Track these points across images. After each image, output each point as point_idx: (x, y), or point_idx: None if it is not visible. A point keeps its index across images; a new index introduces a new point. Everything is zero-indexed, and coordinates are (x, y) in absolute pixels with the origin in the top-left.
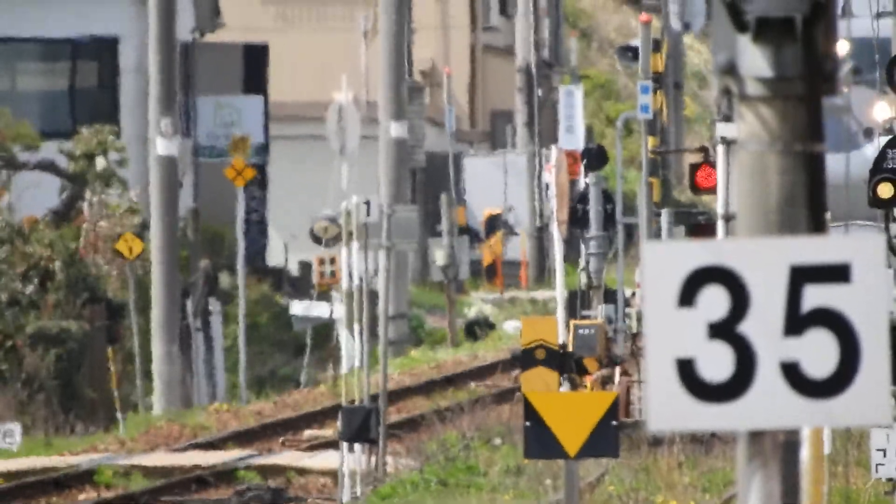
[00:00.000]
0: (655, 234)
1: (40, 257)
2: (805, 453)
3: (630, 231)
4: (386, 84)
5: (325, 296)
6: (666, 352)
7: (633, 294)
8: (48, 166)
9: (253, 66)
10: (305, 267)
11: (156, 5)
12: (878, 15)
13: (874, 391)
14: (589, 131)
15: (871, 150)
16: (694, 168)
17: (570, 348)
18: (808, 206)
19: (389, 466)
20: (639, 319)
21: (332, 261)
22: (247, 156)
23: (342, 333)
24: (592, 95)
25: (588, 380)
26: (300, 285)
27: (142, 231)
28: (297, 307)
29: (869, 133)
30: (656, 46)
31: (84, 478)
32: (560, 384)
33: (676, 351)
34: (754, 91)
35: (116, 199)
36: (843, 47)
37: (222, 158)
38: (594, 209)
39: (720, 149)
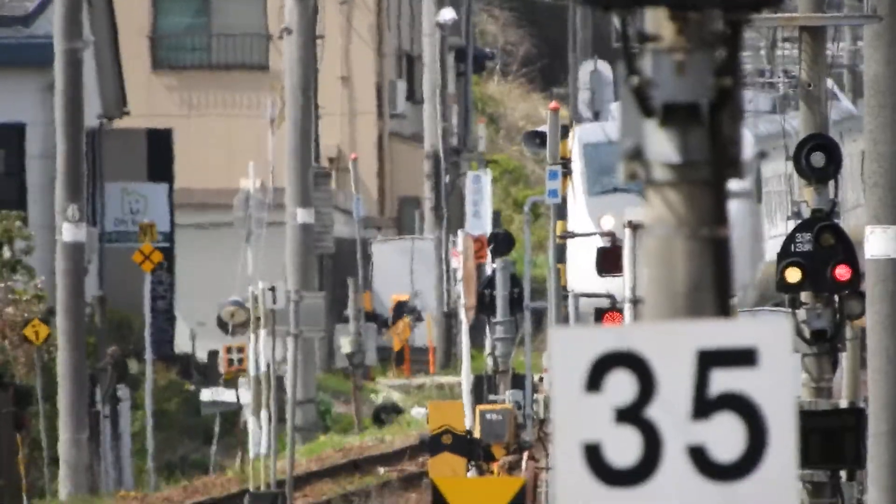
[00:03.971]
0: (564, 318)
1: None
2: None
3: (539, 316)
4: (292, 171)
5: (232, 383)
6: (573, 436)
7: (541, 379)
8: None
9: (158, 152)
10: (212, 355)
11: (62, 92)
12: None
13: (781, 475)
14: (496, 216)
15: None
16: (601, 252)
17: (477, 434)
18: (714, 290)
19: None
20: (546, 405)
21: (240, 349)
22: (154, 241)
23: (249, 419)
24: (501, 181)
25: (495, 466)
26: (208, 372)
27: (48, 317)
28: (206, 394)
29: None
30: (564, 132)
31: None
32: (467, 470)
33: (584, 436)
34: (661, 176)
35: (23, 286)
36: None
37: (129, 244)
38: (501, 294)
39: (627, 233)
